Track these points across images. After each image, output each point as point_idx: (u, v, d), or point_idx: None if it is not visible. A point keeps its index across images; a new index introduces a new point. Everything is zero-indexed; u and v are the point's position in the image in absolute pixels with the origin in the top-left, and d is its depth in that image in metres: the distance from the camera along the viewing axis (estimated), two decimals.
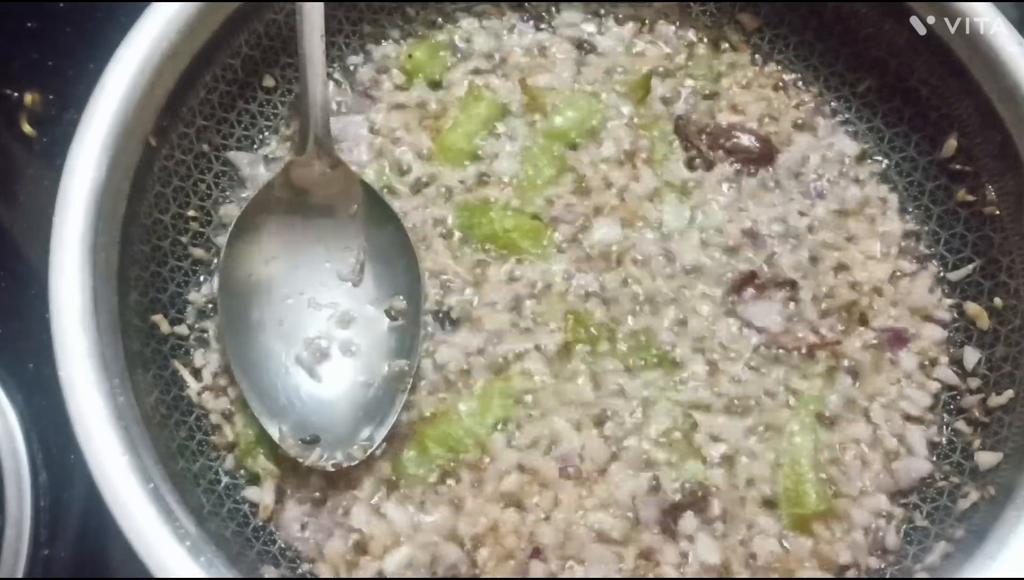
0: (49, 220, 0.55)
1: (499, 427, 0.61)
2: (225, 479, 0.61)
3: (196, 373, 0.62)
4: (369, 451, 0.59)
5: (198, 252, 0.65)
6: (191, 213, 0.65)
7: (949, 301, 0.66)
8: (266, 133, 0.69)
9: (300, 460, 0.58)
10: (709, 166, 0.68)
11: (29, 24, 0.78)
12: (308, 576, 0.59)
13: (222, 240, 0.65)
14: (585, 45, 0.72)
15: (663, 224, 0.66)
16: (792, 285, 0.65)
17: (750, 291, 0.65)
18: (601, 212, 0.66)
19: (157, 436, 0.55)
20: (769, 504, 0.60)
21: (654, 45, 0.73)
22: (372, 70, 0.71)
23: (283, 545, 0.60)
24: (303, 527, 0.60)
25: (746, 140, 0.69)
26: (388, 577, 0.58)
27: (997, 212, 0.65)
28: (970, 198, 0.66)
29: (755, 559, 0.59)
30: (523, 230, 0.65)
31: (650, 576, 0.58)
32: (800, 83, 0.72)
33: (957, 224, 0.67)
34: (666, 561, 0.58)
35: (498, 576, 0.58)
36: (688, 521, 0.59)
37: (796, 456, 0.60)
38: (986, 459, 0.60)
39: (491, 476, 0.60)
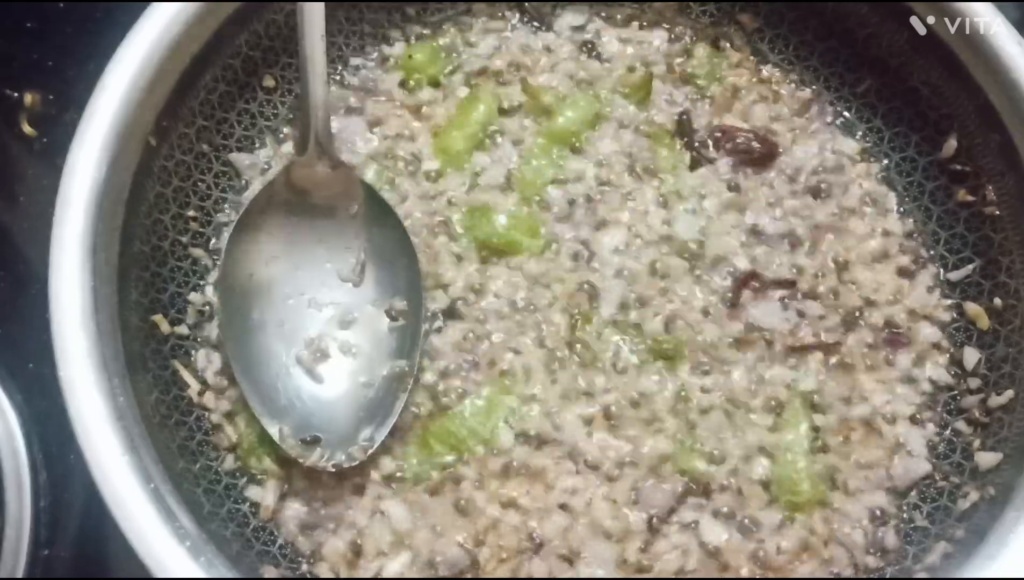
0: (49, 220, 0.55)
1: (501, 425, 0.61)
2: (225, 479, 0.61)
3: (197, 373, 0.62)
4: (370, 451, 0.59)
5: (198, 252, 0.65)
6: (191, 213, 0.65)
7: (949, 301, 0.66)
8: (266, 133, 0.69)
9: (301, 460, 0.59)
10: (710, 166, 0.69)
11: (29, 24, 0.78)
12: (308, 576, 0.59)
13: (222, 240, 0.65)
14: (585, 46, 0.72)
15: (670, 230, 0.66)
16: (792, 285, 0.65)
17: (751, 290, 0.65)
18: (602, 212, 0.66)
19: (157, 436, 0.55)
20: (767, 495, 0.60)
21: (654, 45, 0.73)
22: (372, 71, 0.71)
23: (283, 545, 0.60)
24: (303, 527, 0.60)
25: (747, 140, 0.69)
26: (388, 577, 0.58)
27: (997, 212, 0.65)
28: (970, 198, 0.66)
29: (755, 549, 0.59)
30: (524, 230, 0.65)
31: (651, 573, 0.58)
32: (800, 83, 0.72)
33: (957, 224, 0.67)
34: (667, 553, 0.58)
35: (499, 576, 0.58)
36: (689, 512, 0.59)
37: (792, 448, 0.61)
38: (986, 459, 0.60)
39: (493, 475, 0.60)
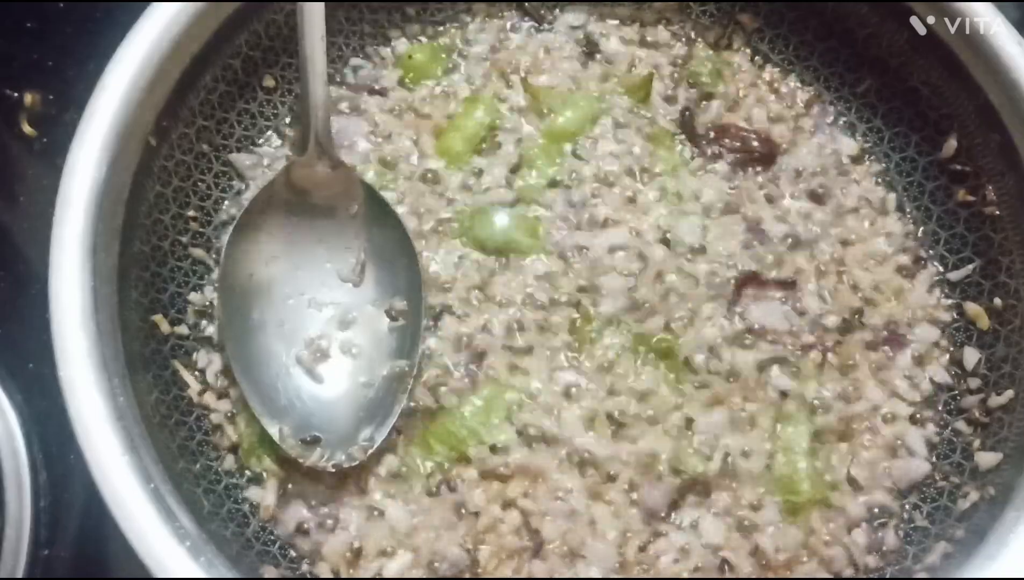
0: (49, 220, 0.55)
1: (501, 425, 0.61)
2: (225, 479, 0.61)
3: (197, 374, 0.62)
4: (369, 451, 0.59)
5: (198, 252, 0.65)
6: (191, 213, 0.65)
7: (949, 301, 0.66)
8: (266, 133, 0.69)
9: (301, 460, 0.59)
10: (710, 166, 0.69)
11: (29, 24, 0.78)
12: (308, 576, 0.59)
13: (222, 240, 0.65)
14: (586, 45, 0.72)
15: (670, 230, 0.66)
16: (792, 285, 0.65)
17: (751, 290, 0.65)
18: (602, 212, 0.66)
19: (157, 436, 0.55)
20: (767, 494, 0.60)
21: (655, 45, 0.73)
22: (372, 71, 0.71)
23: (283, 545, 0.60)
24: (303, 527, 0.60)
25: (747, 140, 0.69)
26: (388, 577, 0.58)
27: (997, 212, 0.65)
28: (970, 198, 0.66)
29: (755, 548, 0.59)
30: (524, 230, 0.65)
31: (651, 573, 0.58)
32: (800, 83, 0.72)
33: (957, 224, 0.67)
34: (667, 553, 0.58)
35: (499, 576, 0.58)
36: (689, 511, 0.59)
37: (792, 448, 0.61)
38: (986, 459, 0.60)
39: (493, 475, 0.60)
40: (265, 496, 0.60)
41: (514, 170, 0.68)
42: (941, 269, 0.67)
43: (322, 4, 0.61)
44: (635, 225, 0.66)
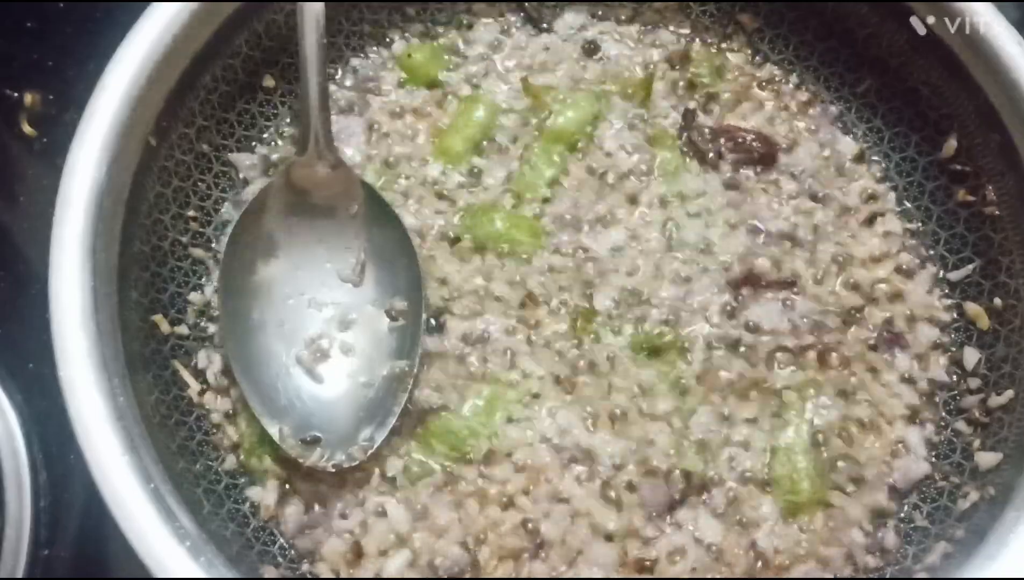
0: (49, 220, 0.55)
1: (502, 425, 0.61)
2: (225, 479, 0.61)
3: (198, 374, 0.62)
4: (370, 451, 0.59)
5: (198, 252, 0.65)
6: (191, 213, 0.65)
7: (949, 301, 0.66)
8: (266, 133, 0.69)
9: (301, 460, 0.59)
10: (710, 166, 0.69)
11: (29, 24, 0.78)
12: (308, 576, 0.59)
13: (222, 240, 0.65)
14: (586, 46, 0.72)
15: (670, 230, 0.66)
16: (792, 285, 0.65)
17: (751, 290, 0.65)
18: (602, 211, 0.67)
19: (157, 436, 0.55)
20: (766, 494, 0.60)
21: (655, 46, 0.73)
22: (372, 71, 0.71)
23: (283, 545, 0.60)
24: (303, 527, 0.60)
25: (747, 140, 0.69)
26: (388, 577, 0.58)
27: (997, 212, 0.65)
28: (970, 198, 0.66)
29: (754, 547, 0.59)
30: (524, 230, 0.65)
31: (651, 573, 0.58)
32: (800, 83, 0.72)
33: (957, 224, 0.67)
34: (667, 552, 0.58)
35: (499, 576, 0.58)
36: (688, 511, 0.59)
37: (792, 447, 0.61)
38: (986, 459, 0.60)
39: (493, 474, 0.60)
40: (265, 496, 0.60)
41: (514, 170, 0.68)
42: (941, 269, 0.67)
43: (322, 4, 0.61)
44: (635, 225, 0.66)
